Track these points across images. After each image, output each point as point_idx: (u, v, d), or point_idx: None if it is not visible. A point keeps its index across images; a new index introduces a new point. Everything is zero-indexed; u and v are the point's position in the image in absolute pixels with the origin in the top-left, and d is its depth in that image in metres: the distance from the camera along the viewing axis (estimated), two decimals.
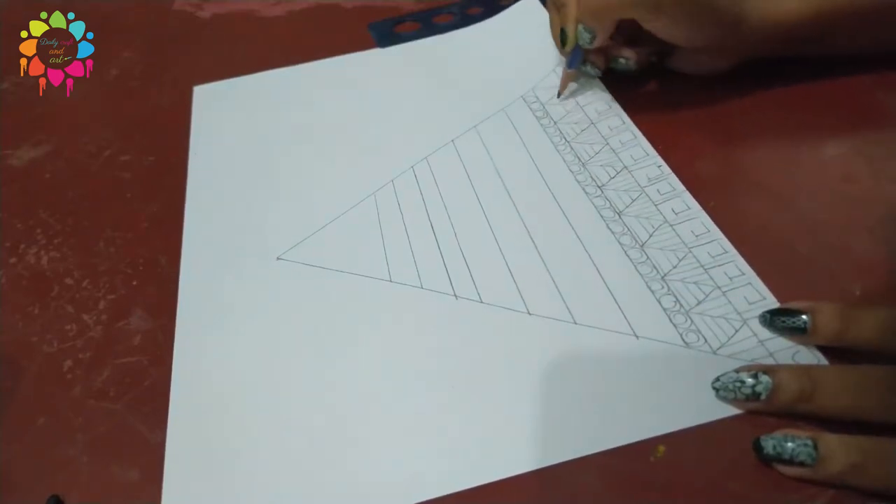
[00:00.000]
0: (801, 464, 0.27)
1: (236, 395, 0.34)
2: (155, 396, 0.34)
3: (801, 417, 0.29)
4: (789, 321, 0.31)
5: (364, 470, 0.31)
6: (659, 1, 0.39)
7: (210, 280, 0.39)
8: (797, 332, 0.31)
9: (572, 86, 0.47)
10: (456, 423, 0.32)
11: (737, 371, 0.30)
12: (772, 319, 0.32)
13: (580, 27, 0.42)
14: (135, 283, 0.40)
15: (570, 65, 0.45)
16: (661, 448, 0.29)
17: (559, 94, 0.47)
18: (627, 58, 0.44)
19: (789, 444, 0.28)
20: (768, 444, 0.28)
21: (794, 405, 0.29)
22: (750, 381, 0.30)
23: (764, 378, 0.29)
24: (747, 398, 0.30)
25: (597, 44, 0.42)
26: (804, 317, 0.31)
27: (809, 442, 0.27)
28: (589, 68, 0.45)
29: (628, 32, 0.44)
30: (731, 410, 0.30)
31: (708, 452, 0.29)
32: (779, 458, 0.28)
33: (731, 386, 0.30)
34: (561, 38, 0.44)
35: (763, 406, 0.29)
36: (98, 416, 0.34)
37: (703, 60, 0.43)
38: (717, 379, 0.31)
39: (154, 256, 0.41)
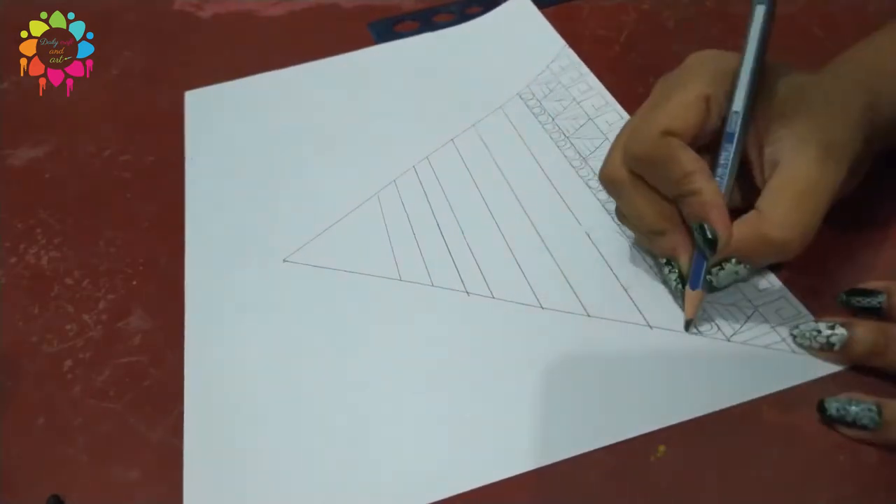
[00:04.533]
0: (864, 427, 0.28)
1: (250, 398, 0.34)
2: (155, 396, 0.34)
3: (871, 372, 0.30)
4: (865, 301, 0.32)
5: (378, 469, 0.31)
6: (856, 167, 0.31)
7: (217, 285, 0.39)
8: (873, 312, 0.31)
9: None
10: (472, 419, 0.32)
11: (815, 320, 0.31)
12: (848, 299, 0.32)
13: (733, 268, 0.33)
14: (135, 283, 0.40)
15: (694, 284, 0.32)
16: (662, 448, 0.29)
17: (687, 326, 0.33)
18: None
19: (853, 408, 0.28)
20: (832, 405, 0.29)
21: (866, 358, 0.30)
22: (826, 331, 0.30)
23: (840, 330, 0.30)
24: (821, 347, 0.31)
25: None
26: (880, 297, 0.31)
27: (874, 407, 0.28)
28: (744, 269, 0.34)
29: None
30: (746, 397, 0.30)
31: (708, 453, 0.29)
32: (842, 421, 0.29)
33: (807, 334, 0.31)
34: (704, 241, 0.31)
35: (836, 357, 0.30)
36: (98, 415, 0.34)
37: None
38: (797, 326, 0.32)
39: (154, 256, 0.41)
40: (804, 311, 0.33)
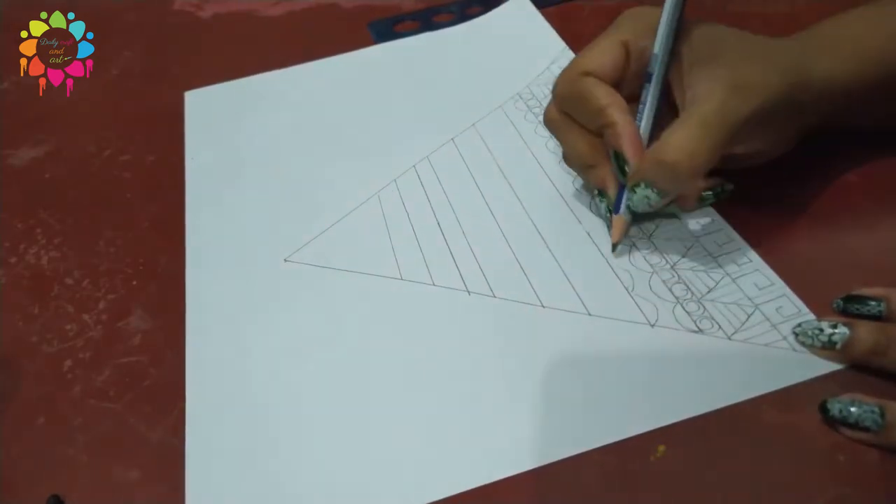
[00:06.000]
0: (866, 429, 0.28)
1: (251, 397, 0.34)
2: (155, 396, 0.34)
3: (874, 373, 0.30)
4: (865, 308, 0.32)
5: (378, 468, 0.30)
6: (770, 114, 0.32)
7: (218, 285, 0.39)
8: (872, 319, 0.31)
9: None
10: (472, 418, 0.31)
11: (818, 319, 0.32)
12: (846, 306, 0.32)
13: (643, 192, 0.34)
14: (135, 283, 0.40)
15: (616, 209, 0.36)
16: (662, 448, 0.29)
17: (614, 248, 0.37)
18: (724, 186, 0.35)
19: (854, 409, 0.28)
20: (834, 406, 0.29)
21: (867, 358, 0.30)
22: (828, 329, 0.31)
23: (842, 329, 0.30)
24: (823, 346, 0.31)
25: (665, 202, 0.35)
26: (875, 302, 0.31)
27: (876, 409, 0.28)
28: (671, 208, 0.37)
29: None
30: (747, 395, 0.30)
31: (708, 453, 0.29)
32: (844, 422, 0.28)
33: (809, 332, 0.31)
34: (619, 168, 0.35)
35: (837, 356, 0.30)
36: (98, 415, 0.34)
37: (763, 154, 0.36)
38: (799, 325, 0.32)
39: (154, 256, 0.41)
40: (805, 309, 0.33)
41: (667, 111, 0.35)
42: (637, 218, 0.37)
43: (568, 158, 0.39)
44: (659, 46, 0.35)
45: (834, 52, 0.35)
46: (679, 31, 0.35)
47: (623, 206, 0.36)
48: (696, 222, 0.38)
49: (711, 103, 0.32)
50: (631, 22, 0.37)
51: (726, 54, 0.33)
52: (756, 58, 0.33)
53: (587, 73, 0.35)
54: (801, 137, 0.36)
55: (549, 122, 0.38)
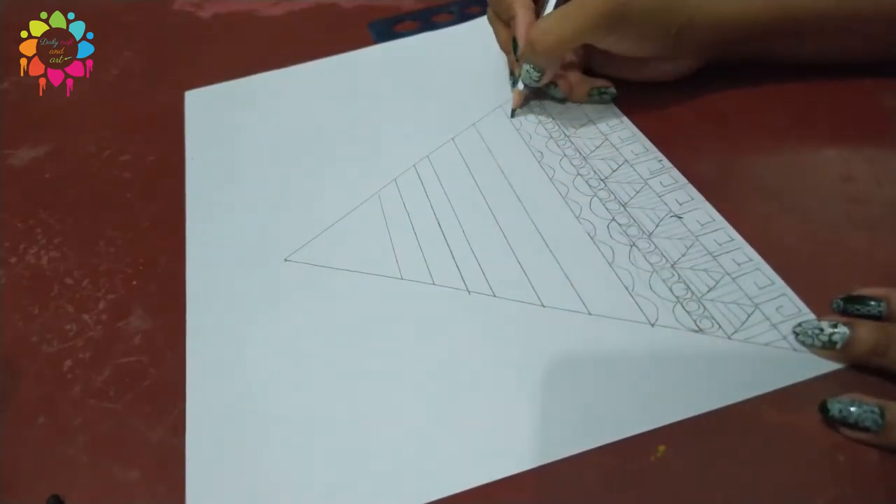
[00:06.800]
0: (866, 429, 0.28)
1: (251, 397, 0.34)
2: (155, 396, 0.34)
3: (874, 373, 0.30)
4: (865, 309, 0.31)
5: (378, 468, 0.30)
6: (622, 16, 0.39)
7: (218, 284, 0.39)
8: (872, 319, 0.31)
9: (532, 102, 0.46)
10: (472, 418, 0.31)
11: (818, 318, 0.32)
12: (846, 306, 0.32)
13: (526, 67, 0.42)
14: (135, 282, 0.40)
15: (515, 83, 0.45)
16: (662, 448, 0.29)
17: (513, 113, 0.46)
18: (607, 88, 0.44)
19: (854, 409, 0.28)
20: (834, 406, 0.29)
21: (867, 358, 0.30)
22: (829, 329, 0.31)
23: (842, 328, 0.30)
24: (823, 346, 0.31)
25: (544, 81, 0.43)
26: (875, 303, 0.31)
27: (876, 409, 0.28)
28: (553, 90, 0.45)
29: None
30: (747, 394, 0.30)
31: (708, 453, 0.29)
32: (844, 422, 0.28)
33: (810, 332, 0.31)
34: (515, 50, 0.44)
35: (837, 356, 0.30)
36: (98, 415, 0.34)
37: (658, 68, 0.43)
38: (799, 324, 0.32)
39: (154, 256, 0.41)
40: (805, 309, 0.33)
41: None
42: (536, 94, 0.46)
43: (499, 45, 0.47)
44: None
45: None
46: None
47: (519, 83, 0.45)
48: (675, 201, 0.38)
49: None
50: None
51: None
52: None
53: None
54: (702, 58, 0.42)
55: (489, 21, 0.47)
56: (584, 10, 0.39)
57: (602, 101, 0.44)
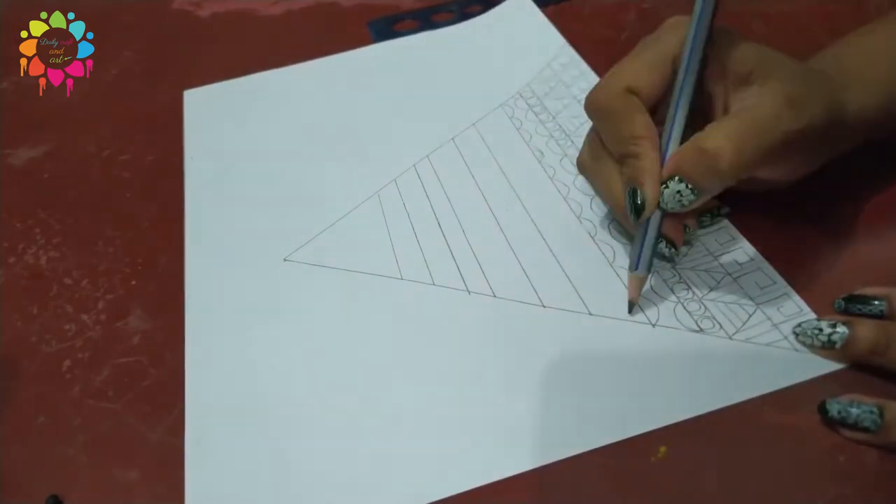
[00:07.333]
0: (865, 429, 0.28)
1: (250, 397, 0.34)
2: (154, 396, 0.34)
3: (874, 372, 0.30)
4: (866, 308, 0.31)
5: (378, 468, 0.30)
6: (814, 132, 0.31)
7: (217, 284, 0.39)
8: (872, 318, 0.31)
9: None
10: (472, 418, 0.31)
11: (818, 318, 0.32)
12: (847, 306, 0.32)
13: (677, 187, 0.31)
14: (134, 282, 0.40)
15: (635, 265, 0.33)
16: (663, 448, 0.29)
17: (630, 310, 0.34)
18: (720, 208, 0.36)
19: (853, 410, 0.28)
20: (833, 407, 0.29)
21: (867, 357, 0.30)
22: (828, 329, 0.31)
23: (841, 328, 0.30)
24: (823, 346, 0.31)
25: (697, 205, 0.32)
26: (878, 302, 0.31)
27: (875, 409, 0.28)
28: (664, 248, 0.34)
29: None
30: (748, 395, 0.30)
31: (709, 453, 0.29)
32: (843, 422, 0.28)
33: (809, 332, 0.31)
34: (632, 206, 0.32)
35: (837, 355, 0.30)
36: (97, 415, 0.34)
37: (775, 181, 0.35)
38: (799, 324, 0.32)
39: (153, 256, 0.41)
40: (806, 308, 0.33)
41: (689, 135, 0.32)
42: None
43: (600, 195, 0.37)
44: (685, 62, 0.32)
45: (862, 84, 0.34)
46: (709, 43, 0.32)
47: (640, 262, 0.33)
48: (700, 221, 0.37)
49: (764, 109, 0.30)
50: (679, 33, 0.33)
51: (779, 71, 0.32)
52: (806, 79, 0.32)
53: (631, 90, 0.33)
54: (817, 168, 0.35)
55: (580, 165, 0.37)
56: (779, 126, 0.30)
57: (716, 224, 0.36)
